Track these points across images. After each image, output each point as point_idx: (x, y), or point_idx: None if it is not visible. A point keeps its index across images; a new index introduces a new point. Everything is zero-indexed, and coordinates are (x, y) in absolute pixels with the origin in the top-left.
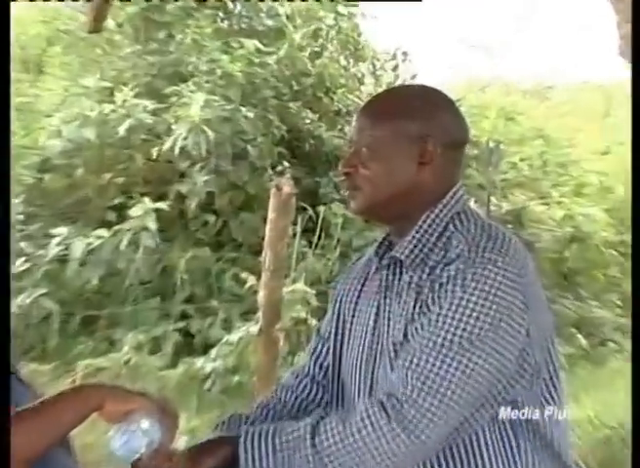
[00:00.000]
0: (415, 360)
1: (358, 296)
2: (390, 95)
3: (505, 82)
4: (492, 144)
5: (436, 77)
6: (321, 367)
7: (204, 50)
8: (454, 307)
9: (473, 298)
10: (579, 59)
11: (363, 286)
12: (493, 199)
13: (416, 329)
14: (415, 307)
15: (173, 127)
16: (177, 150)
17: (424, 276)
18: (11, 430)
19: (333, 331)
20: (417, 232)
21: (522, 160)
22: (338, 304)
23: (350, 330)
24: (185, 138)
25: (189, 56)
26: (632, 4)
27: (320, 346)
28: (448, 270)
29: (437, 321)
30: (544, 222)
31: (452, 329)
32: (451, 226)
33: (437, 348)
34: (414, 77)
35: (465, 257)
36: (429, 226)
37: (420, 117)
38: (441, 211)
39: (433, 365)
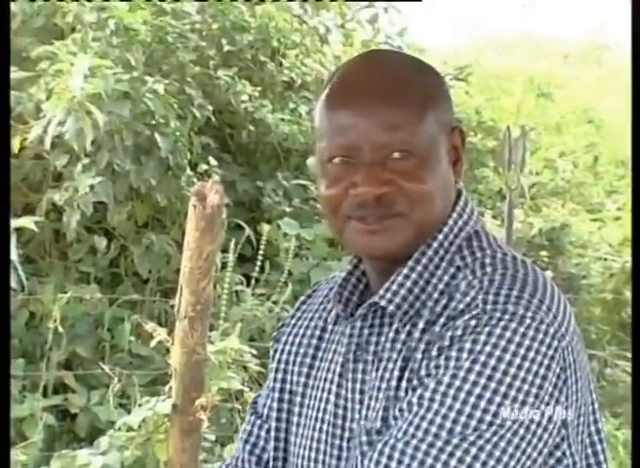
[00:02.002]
0: (395, 457)
1: (314, 357)
2: (404, 63)
3: (537, 41)
4: (516, 132)
5: (435, 34)
6: (260, 459)
7: None
8: (457, 382)
9: (487, 371)
10: None
11: (320, 340)
12: (518, 213)
13: (400, 410)
14: (401, 378)
15: (43, 107)
16: (48, 141)
17: (417, 334)
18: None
19: (275, 406)
20: (411, 270)
21: (562, 156)
22: (282, 367)
23: (302, 405)
24: (62, 123)
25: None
26: (632, 4)
27: (257, 429)
28: (453, 328)
29: (432, 400)
30: (595, 248)
31: (452, 414)
32: (457, 259)
33: (428, 441)
34: (402, 33)
35: (479, 310)
36: (430, 261)
37: (447, 99)
38: (446, 237)
39: (422, 465)
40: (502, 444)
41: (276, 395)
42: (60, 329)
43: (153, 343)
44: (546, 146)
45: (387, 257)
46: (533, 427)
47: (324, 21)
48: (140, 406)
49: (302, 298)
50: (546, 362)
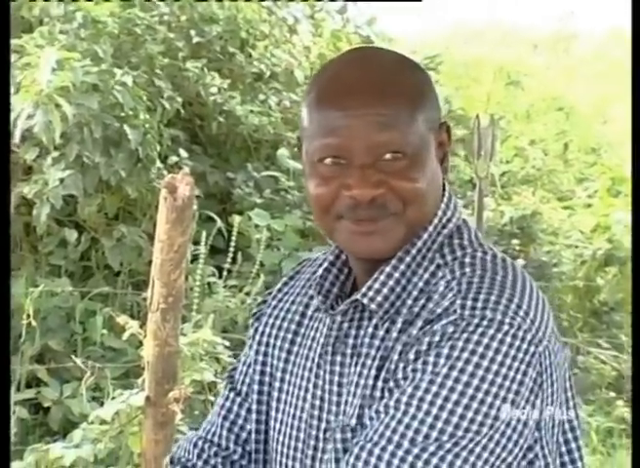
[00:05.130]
0: (371, 462)
1: (292, 342)
2: (394, 61)
3: (506, 29)
4: (486, 121)
5: (404, 24)
6: (238, 437)
7: None
8: (434, 388)
9: (464, 378)
10: None
11: (299, 326)
12: (488, 202)
13: (377, 412)
14: (378, 377)
15: (12, 100)
16: (18, 134)
17: (395, 333)
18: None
19: (256, 387)
20: (394, 269)
21: (532, 144)
22: (263, 349)
23: (281, 390)
24: (31, 117)
25: None
26: (632, 4)
27: (237, 407)
28: (430, 332)
29: (409, 405)
30: (566, 235)
31: (429, 419)
32: (437, 257)
33: (405, 447)
34: (371, 22)
35: (457, 316)
36: (413, 259)
37: (435, 96)
38: (430, 236)
39: None
40: (478, 450)
41: (257, 377)
42: (33, 322)
43: (125, 336)
44: (516, 134)
45: (382, 258)
46: (508, 432)
47: (293, 12)
48: (112, 398)
49: (285, 279)
50: (523, 367)
